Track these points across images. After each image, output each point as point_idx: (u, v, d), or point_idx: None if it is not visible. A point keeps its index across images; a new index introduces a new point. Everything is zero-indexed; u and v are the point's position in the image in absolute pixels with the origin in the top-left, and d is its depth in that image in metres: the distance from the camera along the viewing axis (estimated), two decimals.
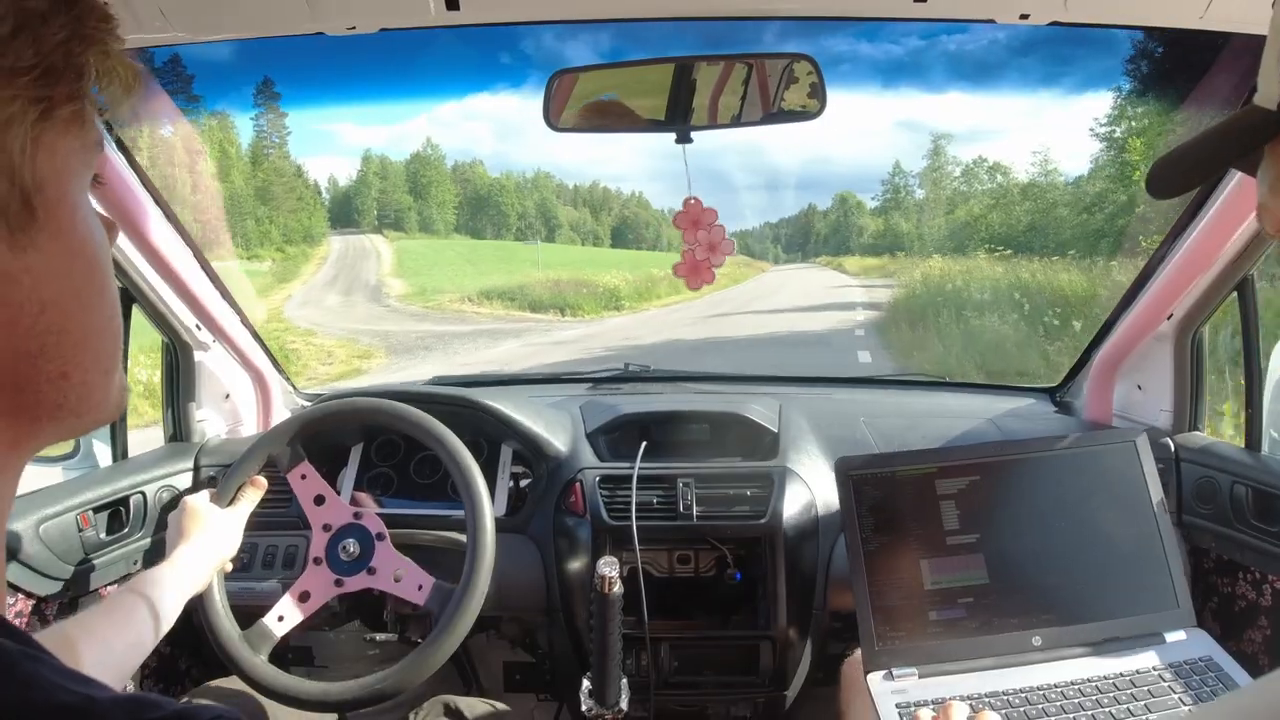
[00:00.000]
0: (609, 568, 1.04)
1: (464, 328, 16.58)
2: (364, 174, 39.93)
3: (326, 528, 1.23)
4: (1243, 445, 1.37)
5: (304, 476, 1.28)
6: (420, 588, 1.22)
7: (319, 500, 1.26)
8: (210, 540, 1.10)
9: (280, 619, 1.19)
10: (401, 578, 1.22)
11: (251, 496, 1.21)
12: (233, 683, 1.22)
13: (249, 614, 1.21)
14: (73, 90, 0.39)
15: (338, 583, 1.21)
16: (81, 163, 0.41)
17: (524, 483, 1.53)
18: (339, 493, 1.49)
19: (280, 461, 1.28)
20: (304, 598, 1.20)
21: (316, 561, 1.21)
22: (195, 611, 1.15)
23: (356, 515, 1.25)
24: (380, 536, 1.23)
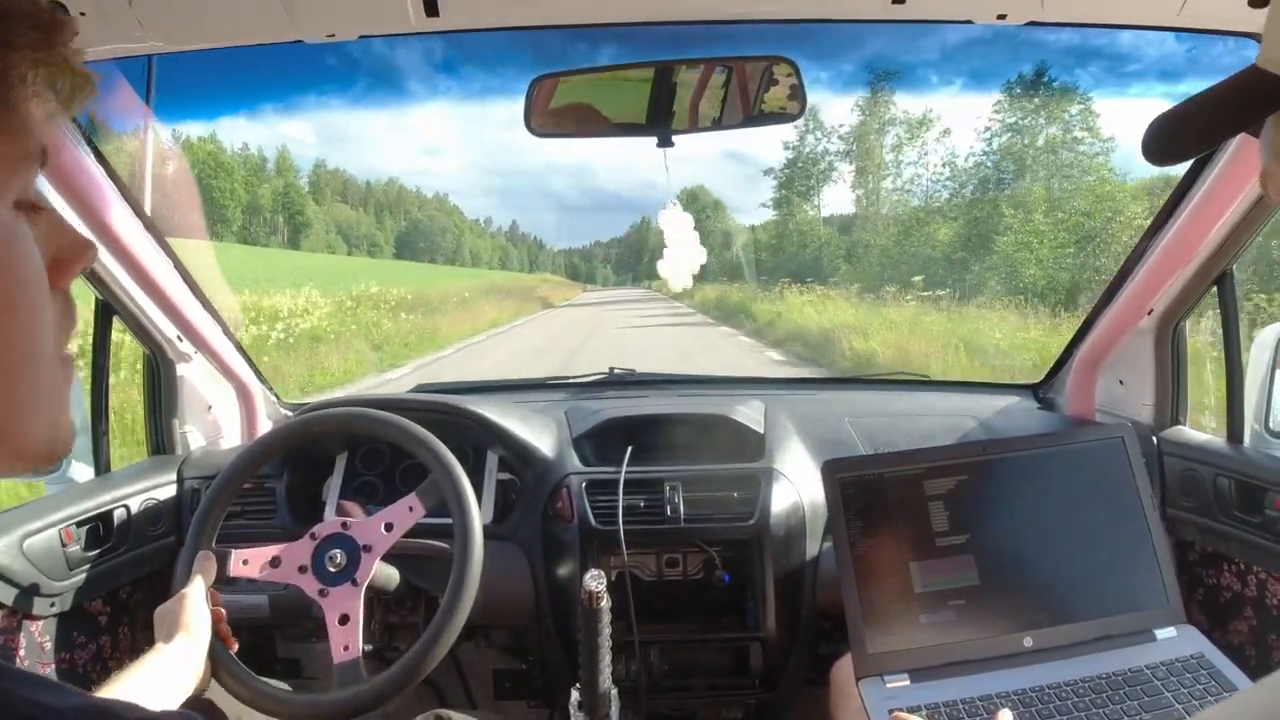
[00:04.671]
0: (596, 582, 1.02)
1: None
2: None
3: (303, 569, 1.18)
4: (1225, 438, 1.38)
5: (245, 561, 1.19)
6: (411, 509, 1.20)
7: (275, 562, 1.19)
8: (176, 627, 1.05)
9: (346, 648, 1.15)
10: (393, 524, 1.20)
11: (205, 571, 1.13)
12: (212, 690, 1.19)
13: (236, 629, 1.18)
14: None
15: (354, 583, 1.17)
16: (7, 172, 0.39)
17: (510, 490, 1.52)
18: (324, 503, 1.48)
19: (211, 577, 1.16)
20: (344, 620, 1.16)
21: (323, 594, 1.17)
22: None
23: (313, 536, 1.20)
24: (345, 525, 1.20)
